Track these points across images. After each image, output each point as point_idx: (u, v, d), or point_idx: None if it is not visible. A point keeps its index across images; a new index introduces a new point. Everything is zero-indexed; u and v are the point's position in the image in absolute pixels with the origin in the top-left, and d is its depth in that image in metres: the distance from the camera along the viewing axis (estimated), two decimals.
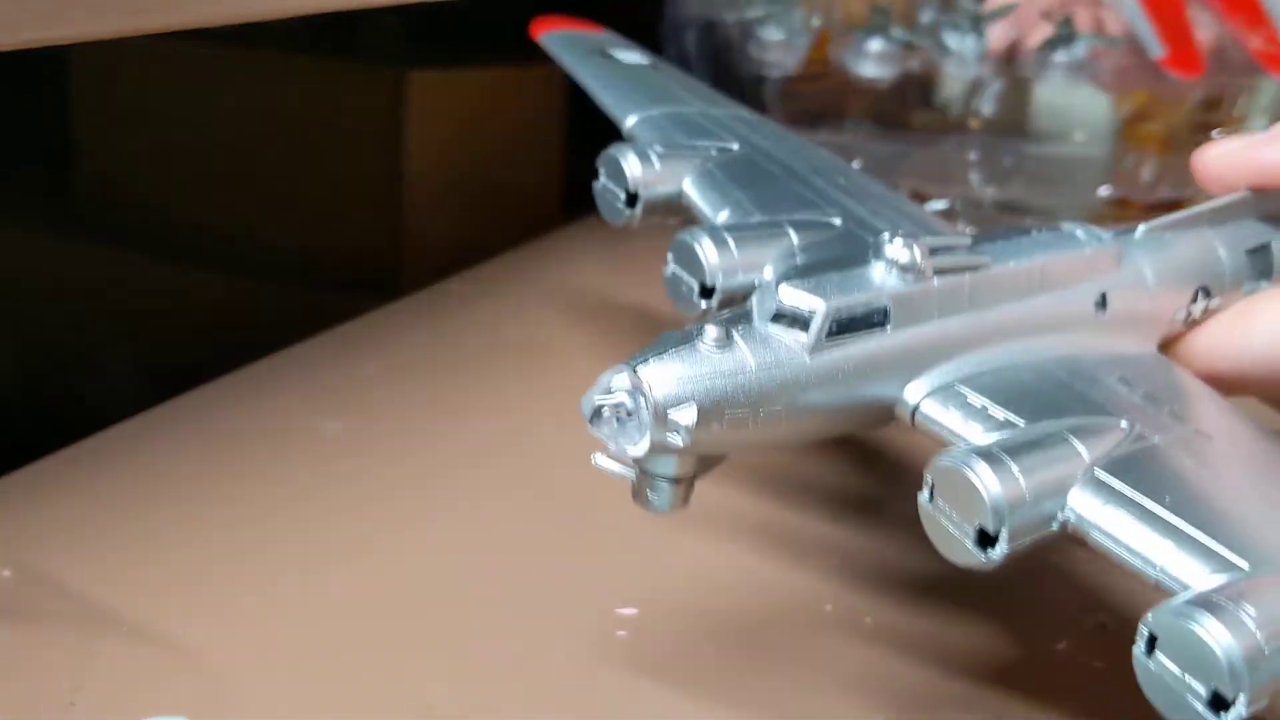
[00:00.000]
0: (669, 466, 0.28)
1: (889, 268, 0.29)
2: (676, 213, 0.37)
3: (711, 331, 0.27)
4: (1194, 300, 0.34)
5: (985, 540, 0.25)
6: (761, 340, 0.28)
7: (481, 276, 0.66)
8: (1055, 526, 0.26)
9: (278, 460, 0.46)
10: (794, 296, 0.28)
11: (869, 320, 0.28)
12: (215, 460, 0.46)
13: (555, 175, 1.03)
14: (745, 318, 0.28)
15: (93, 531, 0.41)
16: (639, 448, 0.27)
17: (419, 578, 0.40)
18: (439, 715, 0.33)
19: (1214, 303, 0.34)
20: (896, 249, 0.29)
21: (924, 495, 0.26)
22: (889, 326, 0.28)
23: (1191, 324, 0.34)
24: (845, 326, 0.28)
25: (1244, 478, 0.28)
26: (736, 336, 0.27)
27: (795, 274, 0.29)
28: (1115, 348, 0.31)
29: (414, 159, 0.91)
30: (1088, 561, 0.40)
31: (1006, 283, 0.30)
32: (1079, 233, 0.32)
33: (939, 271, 0.29)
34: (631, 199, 0.37)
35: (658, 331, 0.54)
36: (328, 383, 0.53)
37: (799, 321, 0.28)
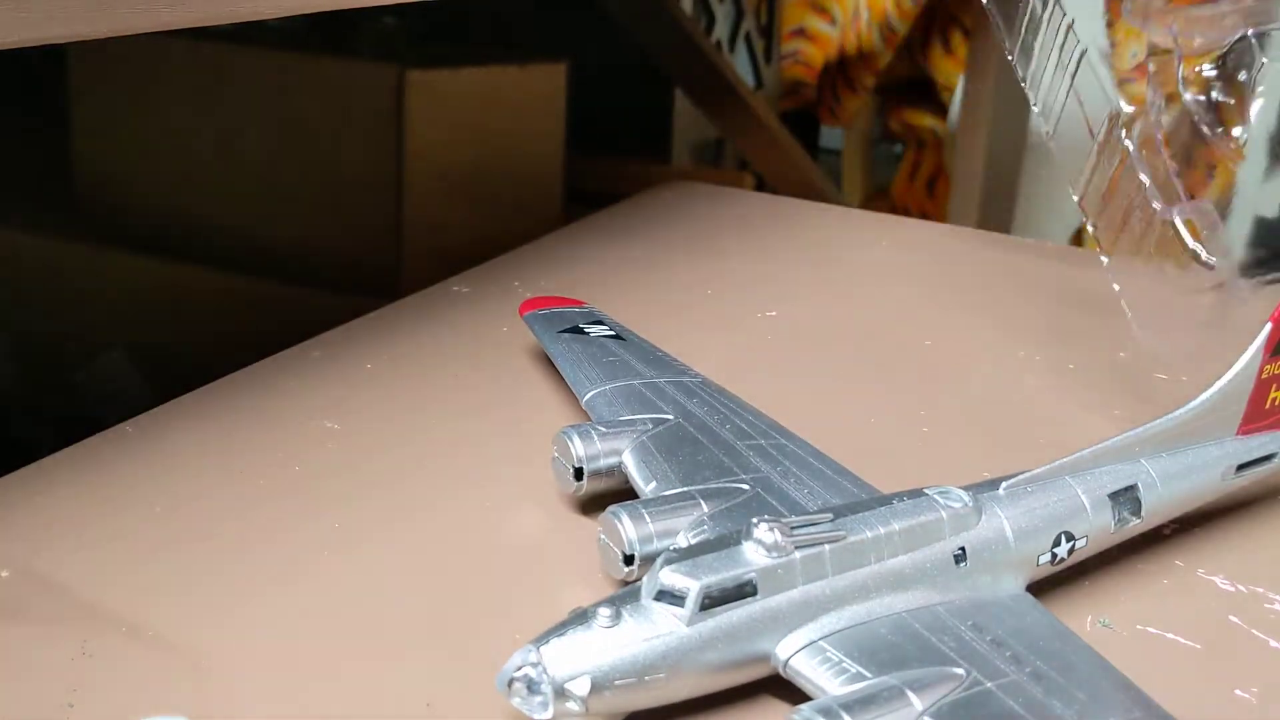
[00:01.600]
0: None
1: (756, 546, 0.34)
2: (618, 479, 0.43)
3: (604, 611, 0.32)
4: (1056, 544, 0.38)
5: None
6: (646, 616, 0.33)
7: (481, 276, 0.66)
8: None
9: (277, 460, 0.46)
10: (672, 578, 0.33)
11: (739, 592, 0.33)
12: (215, 461, 0.46)
13: (555, 175, 1.03)
14: (635, 595, 0.33)
15: (93, 531, 0.41)
16: (545, 715, 0.32)
17: (418, 577, 0.40)
18: (438, 714, 0.33)
19: (1080, 544, 0.39)
20: (762, 532, 0.34)
21: None
22: (757, 596, 0.33)
23: (1060, 564, 0.39)
24: (717, 600, 0.33)
25: (1064, 715, 0.32)
26: (625, 614, 0.33)
27: (678, 556, 0.34)
28: (975, 595, 0.36)
29: (414, 158, 0.90)
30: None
31: (864, 549, 0.35)
32: (938, 498, 0.37)
33: (799, 546, 0.34)
34: (579, 472, 0.42)
35: (655, 330, 0.54)
36: (328, 383, 0.53)
37: (677, 598, 0.33)
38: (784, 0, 1.62)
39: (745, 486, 0.41)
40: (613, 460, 0.43)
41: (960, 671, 0.33)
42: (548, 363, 0.56)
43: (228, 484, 0.44)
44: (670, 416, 0.46)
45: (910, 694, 0.31)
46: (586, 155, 1.11)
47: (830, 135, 1.95)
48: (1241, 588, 0.41)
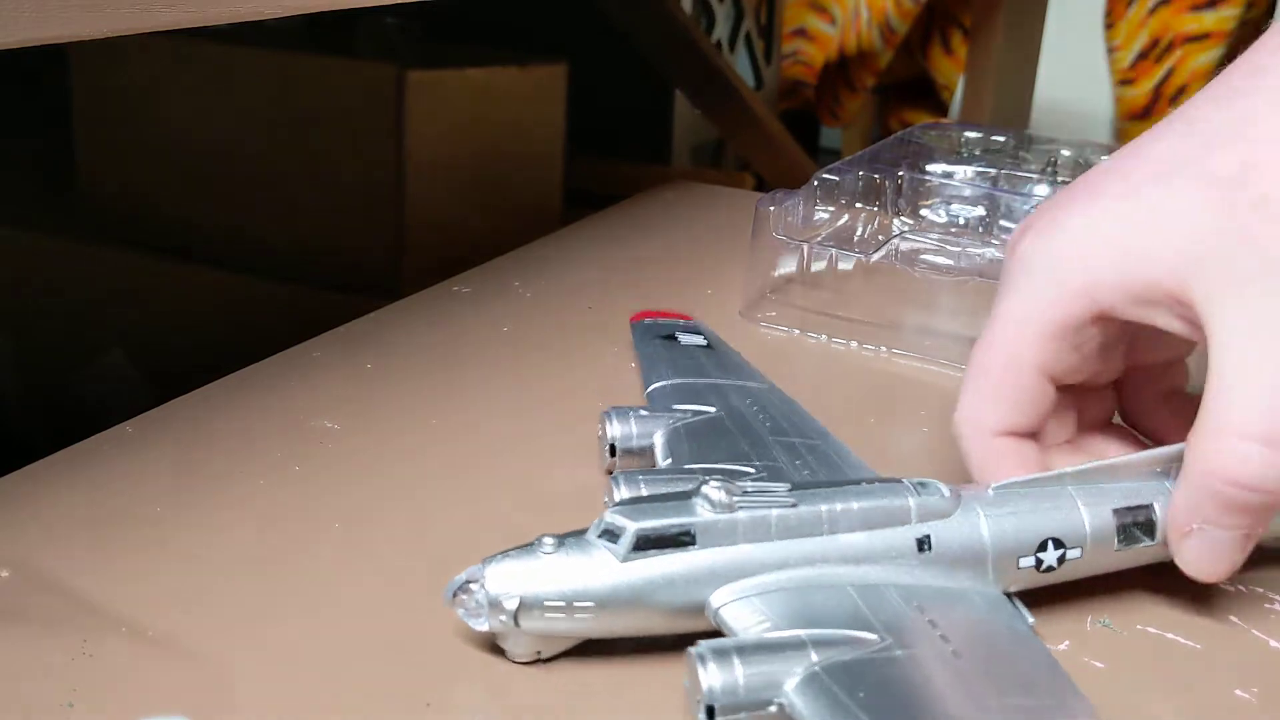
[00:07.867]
0: (519, 644, 0.35)
1: (703, 502, 0.35)
2: (650, 459, 0.45)
3: (549, 541, 0.35)
4: (1041, 549, 0.38)
5: (711, 714, 0.31)
6: (584, 550, 0.35)
7: (481, 276, 0.66)
8: (774, 708, 0.32)
9: (277, 460, 0.46)
10: (614, 518, 0.35)
11: (677, 540, 0.35)
12: (215, 461, 0.46)
13: (555, 175, 1.03)
14: (582, 532, 0.35)
15: (93, 531, 0.41)
16: (480, 626, 0.34)
17: (418, 576, 0.40)
18: (438, 714, 0.33)
19: (1071, 554, 0.38)
20: (711, 489, 0.35)
21: (685, 679, 0.32)
22: (695, 546, 0.35)
23: (1048, 572, 0.38)
24: (652, 543, 0.35)
25: (969, 695, 0.32)
26: (567, 546, 0.35)
27: (630, 501, 0.36)
28: (935, 582, 0.36)
29: (414, 159, 0.91)
30: None
31: (816, 520, 0.36)
32: (912, 486, 0.37)
33: (745, 508, 0.35)
34: (613, 449, 0.45)
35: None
36: (328, 383, 0.53)
37: (615, 537, 0.35)
38: (784, 0, 1.62)
39: (751, 471, 0.42)
40: (645, 442, 0.45)
41: (874, 638, 0.33)
42: (548, 362, 0.56)
43: (228, 484, 0.44)
44: (713, 410, 0.47)
45: (810, 648, 0.32)
46: (586, 156, 1.11)
47: (830, 135, 1.95)
48: (1241, 588, 0.41)
